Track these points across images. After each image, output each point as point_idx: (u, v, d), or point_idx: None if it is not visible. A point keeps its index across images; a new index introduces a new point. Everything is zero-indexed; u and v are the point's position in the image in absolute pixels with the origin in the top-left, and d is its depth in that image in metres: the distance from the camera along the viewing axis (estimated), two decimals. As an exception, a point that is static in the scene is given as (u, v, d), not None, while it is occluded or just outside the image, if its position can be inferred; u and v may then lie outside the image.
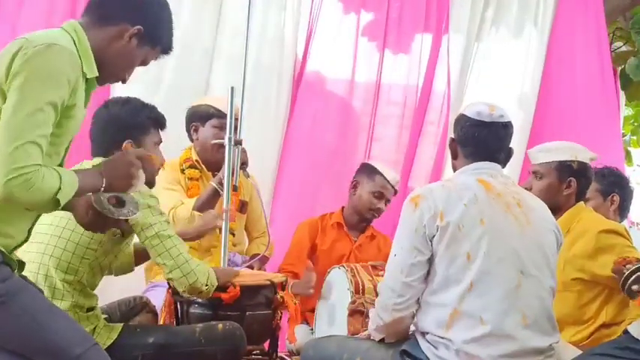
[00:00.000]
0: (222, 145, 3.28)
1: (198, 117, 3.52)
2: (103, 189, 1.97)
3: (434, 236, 2.32)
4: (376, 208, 3.76)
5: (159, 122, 2.78)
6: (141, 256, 2.90)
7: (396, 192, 3.82)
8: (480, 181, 2.42)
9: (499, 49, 4.99)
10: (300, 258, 3.70)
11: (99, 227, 2.03)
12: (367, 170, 3.82)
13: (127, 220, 2.03)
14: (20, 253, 2.45)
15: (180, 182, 3.47)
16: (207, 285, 2.57)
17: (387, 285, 2.39)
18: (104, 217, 1.97)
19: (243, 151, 3.31)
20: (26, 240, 2.07)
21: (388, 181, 3.75)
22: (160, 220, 2.54)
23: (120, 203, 2.00)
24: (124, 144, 2.63)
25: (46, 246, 2.49)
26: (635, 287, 2.17)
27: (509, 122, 2.52)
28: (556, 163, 3.03)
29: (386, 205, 3.80)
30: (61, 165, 2.03)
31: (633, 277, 2.17)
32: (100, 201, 1.96)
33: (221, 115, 3.42)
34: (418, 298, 2.36)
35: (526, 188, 3.09)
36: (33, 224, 2.08)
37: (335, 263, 3.43)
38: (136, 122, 2.69)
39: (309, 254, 3.75)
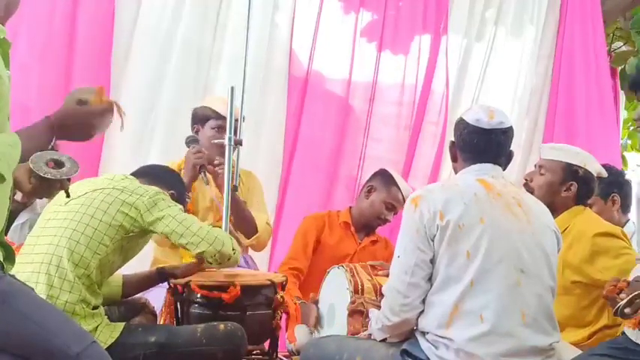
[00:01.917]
0: (219, 146, 3.31)
1: (198, 119, 3.55)
2: (55, 140, 1.93)
3: (435, 236, 2.33)
4: (385, 218, 3.76)
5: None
6: (130, 287, 2.90)
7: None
8: (480, 181, 2.43)
9: (498, 50, 4.99)
10: (306, 252, 3.68)
11: (43, 192, 2.01)
12: (384, 179, 3.80)
13: (69, 180, 2.02)
14: (31, 246, 2.46)
15: None
16: (234, 249, 2.64)
17: (393, 286, 2.39)
18: (47, 181, 1.96)
19: (200, 152, 3.35)
20: (5, 228, 2.01)
21: (402, 195, 3.73)
22: (172, 205, 2.60)
23: (59, 164, 2.00)
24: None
25: (60, 238, 2.50)
26: (627, 310, 2.18)
27: (509, 127, 2.52)
28: (563, 164, 3.03)
29: (394, 215, 3.79)
30: None
31: (627, 307, 2.17)
32: (39, 166, 1.95)
33: (218, 117, 3.45)
34: (424, 299, 2.37)
35: (526, 180, 3.10)
36: (9, 208, 2.00)
37: (338, 262, 3.42)
38: (180, 192, 2.88)
39: (314, 248, 3.73)
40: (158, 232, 2.60)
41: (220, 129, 3.44)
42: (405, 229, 2.41)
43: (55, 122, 1.93)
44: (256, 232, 3.55)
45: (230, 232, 3.23)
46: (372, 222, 3.80)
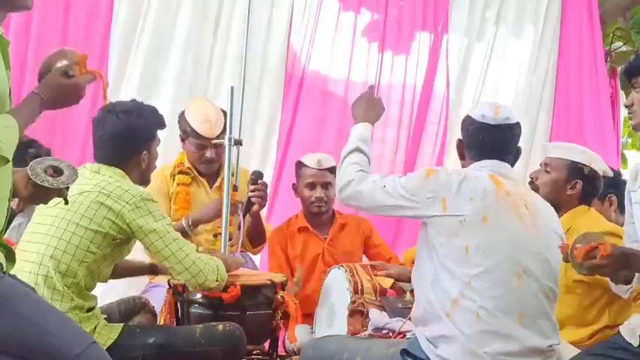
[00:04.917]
0: (203, 162, 3.46)
1: (182, 130, 3.54)
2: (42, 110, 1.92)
3: (430, 208, 2.34)
4: (315, 198, 3.63)
5: (162, 125, 2.81)
6: (122, 270, 2.87)
7: (331, 170, 3.57)
8: (492, 177, 2.41)
9: (499, 50, 4.98)
10: (282, 267, 3.61)
11: (40, 199, 1.99)
12: (296, 169, 3.75)
13: (67, 188, 1.97)
14: (20, 253, 2.44)
15: (162, 190, 3.45)
16: (217, 281, 2.60)
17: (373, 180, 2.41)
18: (44, 189, 1.92)
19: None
20: (5, 226, 2.00)
21: (311, 167, 3.63)
22: (163, 223, 2.55)
23: (58, 172, 1.96)
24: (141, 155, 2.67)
25: (46, 247, 2.48)
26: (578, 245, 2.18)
27: (516, 123, 2.50)
28: (569, 162, 3.02)
29: (327, 189, 3.64)
30: None
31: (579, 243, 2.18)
32: (37, 174, 1.92)
33: (197, 137, 3.45)
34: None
35: (532, 178, 3.09)
36: (9, 208, 2.00)
37: (311, 266, 3.43)
38: (150, 134, 2.73)
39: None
40: (142, 243, 2.57)
41: (199, 147, 3.47)
42: (415, 174, 2.44)
43: (43, 96, 1.93)
44: (264, 242, 3.60)
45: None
46: (312, 210, 3.66)
